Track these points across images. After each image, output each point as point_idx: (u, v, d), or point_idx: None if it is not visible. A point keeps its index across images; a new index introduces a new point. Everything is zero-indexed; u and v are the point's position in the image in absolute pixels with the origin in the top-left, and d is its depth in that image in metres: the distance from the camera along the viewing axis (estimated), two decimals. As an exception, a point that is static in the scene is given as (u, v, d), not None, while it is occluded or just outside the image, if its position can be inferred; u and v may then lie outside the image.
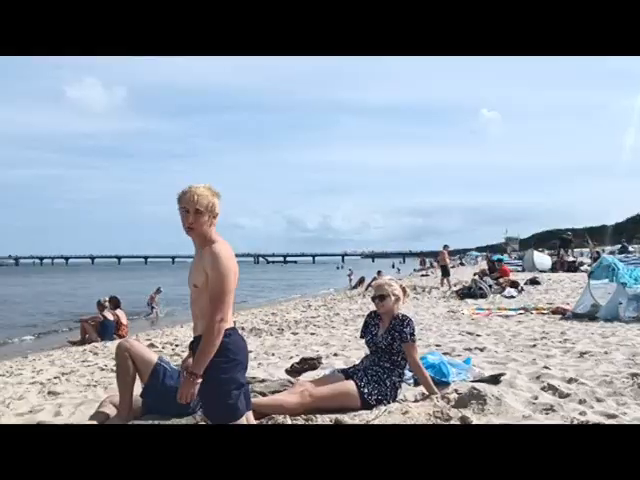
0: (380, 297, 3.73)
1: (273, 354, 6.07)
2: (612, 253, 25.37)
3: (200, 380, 2.40)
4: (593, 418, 2.97)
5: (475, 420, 2.97)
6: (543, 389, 3.69)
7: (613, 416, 3.01)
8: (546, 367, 4.37)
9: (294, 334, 8.04)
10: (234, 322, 2.61)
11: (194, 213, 2.48)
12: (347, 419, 3.03)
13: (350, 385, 3.40)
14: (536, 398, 3.44)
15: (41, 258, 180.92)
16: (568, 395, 3.49)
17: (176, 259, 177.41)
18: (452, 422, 2.98)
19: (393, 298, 3.74)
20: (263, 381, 4.35)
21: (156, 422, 3.15)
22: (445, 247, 17.96)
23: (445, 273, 16.97)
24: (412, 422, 3.02)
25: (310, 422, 2.94)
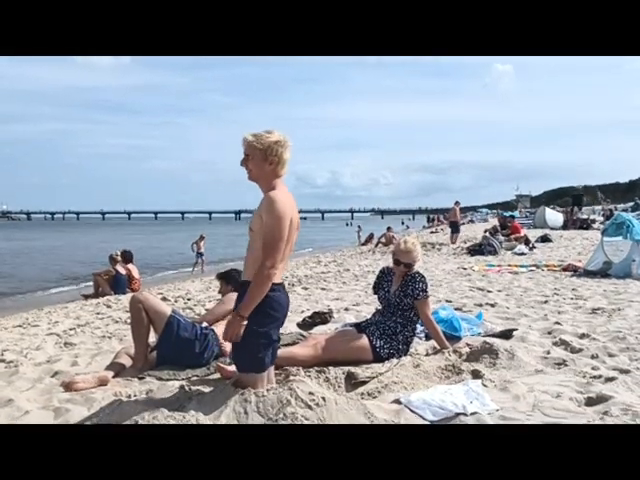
0: (407, 265, 3.67)
1: (284, 308, 6.11)
2: (625, 210, 25.05)
3: (245, 322, 2.44)
4: (606, 373, 2.98)
5: (487, 374, 2.98)
6: (555, 344, 3.69)
7: (626, 371, 3.01)
8: (558, 323, 4.36)
9: (305, 289, 8.09)
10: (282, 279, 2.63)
11: (247, 157, 2.54)
12: (359, 371, 3.06)
13: (362, 339, 3.42)
14: (548, 353, 3.44)
15: (52, 213, 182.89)
16: (580, 350, 3.49)
17: (185, 215, 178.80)
18: (463, 376, 3.00)
19: (417, 265, 3.72)
20: (275, 334, 4.40)
21: (171, 372, 3.21)
22: (456, 203, 17.84)
23: (455, 230, 16.95)
24: (424, 375, 3.05)
25: (322, 374, 2.97)
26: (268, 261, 2.40)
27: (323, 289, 7.92)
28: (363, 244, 22.80)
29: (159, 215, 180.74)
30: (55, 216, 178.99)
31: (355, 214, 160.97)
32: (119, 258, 9.64)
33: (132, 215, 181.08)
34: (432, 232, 28.70)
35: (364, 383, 2.97)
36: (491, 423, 2.29)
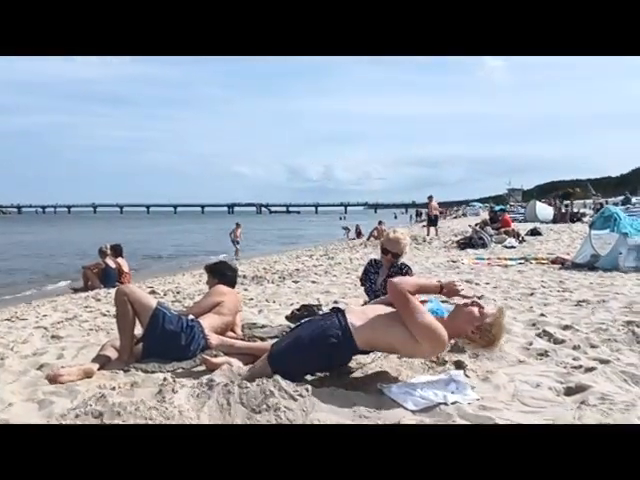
0: (395, 255, 3.70)
1: (274, 301, 6.13)
2: (615, 204, 25.25)
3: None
4: (587, 363, 3.02)
5: (470, 365, 3.01)
6: (538, 335, 3.73)
7: (606, 362, 3.05)
8: (543, 315, 4.41)
9: (295, 282, 8.11)
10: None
11: (478, 309, 2.66)
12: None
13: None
14: (531, 344, 3.48)
15: (44, 207, 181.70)
16: (563, 341, 3.53)
17: (178, 208, 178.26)
18: (447, 366, 3.03)
19: (404, 257, 3.76)
20: (263, 327, 4.41)
21: (156, 365, 3.22)
22: (430, 198, 18.92)
23: (431, 223, 18.10)
24: (408, 366, 3.07)
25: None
26: (407, 308, 2.60)
27: (314, 282, 7.94)
28: (354, 238, 22.82)
29: (151, 208, 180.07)
30: (46, 210, 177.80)
31: (348, 208, 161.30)
32: (109, 251, 9.61)
33: (124, 208, 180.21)
34: (424, 226, 28.74)
35: (349, 374, 2.99)
36: (475, 419, 2.28)
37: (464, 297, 2.79)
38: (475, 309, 2.64)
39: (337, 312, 2.86)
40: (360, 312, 2.80)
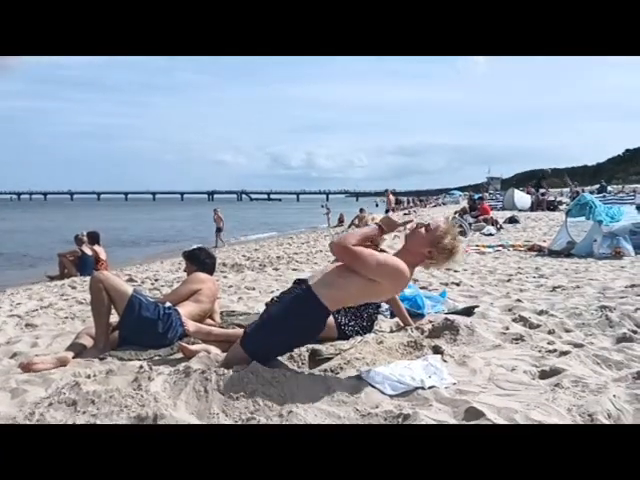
0: (373, 242, 3.69)
1: (254, 288, 6.11)
2: (591, 193, 25.73)
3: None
4: (561, 347, 3.07)
5: (447, 349, 3.04)
6: (514, 320, 3.78)
7: (580, 345, 3.11)
8: (519, 300, 4.47)
9: (276, 270, 8.09)
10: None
11: (426, 227, 2.60)
12: (323, 348, 3.08)
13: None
14: (507, 329, 3.53)
15: (18, 194, 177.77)
16: (538, 326, 3.59)
17: (157, 196, 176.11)
18: (425, 351, 3.05)
19: (383, 243, 3.75)
20: (242, 314, 4.39)
21: (132, 352, 3.18)
22: (386, 191, 21.46)
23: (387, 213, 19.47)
24: (386, 351, 3.09)
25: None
26: (353, 253, 2.52)
27: (294, 270, 7.93)
28: (336, 226, 22.87)
29: (130, 196, 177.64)
30: (22, 196, 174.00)
31: (330, 196, 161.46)
32: (85, 238, 9.44)
33: (102, 196, 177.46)
34: (405, 214, 28.95)
35: (328, 360, 2.99)
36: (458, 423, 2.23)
37: (404, 224, 2.73)
38: (421, 229, 2.63)
39: (300, 283, 2.81)
40: (319, 273, 2.74)
